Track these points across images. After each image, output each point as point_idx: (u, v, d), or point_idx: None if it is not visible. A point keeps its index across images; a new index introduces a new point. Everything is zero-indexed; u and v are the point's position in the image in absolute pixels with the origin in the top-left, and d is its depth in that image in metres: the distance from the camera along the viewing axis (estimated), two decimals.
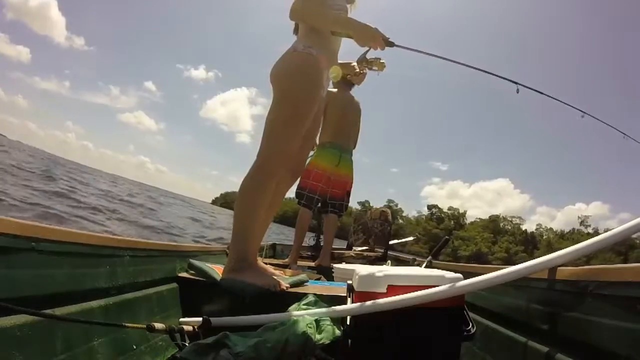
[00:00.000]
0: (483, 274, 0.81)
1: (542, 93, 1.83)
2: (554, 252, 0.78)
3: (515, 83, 1.70)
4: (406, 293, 0.82)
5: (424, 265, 1.76)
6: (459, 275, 0.90)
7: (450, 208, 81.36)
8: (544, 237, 70.43)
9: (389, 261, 2.80)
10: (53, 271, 0.77)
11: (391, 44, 1.49)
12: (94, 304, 0.86)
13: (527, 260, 0.80)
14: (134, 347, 0.95)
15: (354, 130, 2.92)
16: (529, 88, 1.75)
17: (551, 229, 74.46)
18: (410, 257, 2.94)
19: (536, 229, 73.61)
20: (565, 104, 1.91)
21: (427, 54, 1.66)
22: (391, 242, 3.34)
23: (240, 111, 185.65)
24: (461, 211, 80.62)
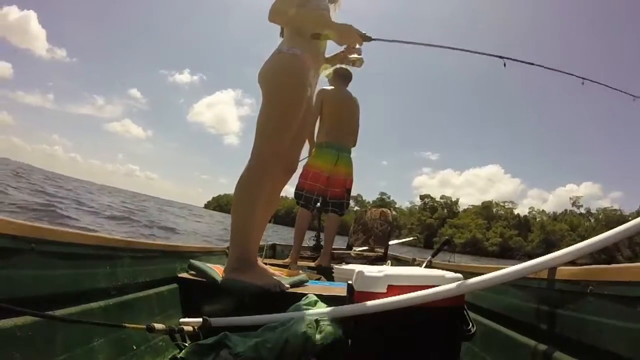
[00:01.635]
0: (483, 274, 0.81)
1: (531, 64, 1.79)
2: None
3: (501, 57, 1.67)
4: (406, 293, 0.83)
5: (424, 265, 1.76)
6: (459, 275, 0.90)
7: (442, 197, 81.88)
8: (537, 219, 70.68)
9: (389, 261, 2.79)
10: (53, 272, 0.77)
11: (368, 39, 1.52)
12: (94, 304, 0.86)
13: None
14: (134, 347, 0.95)
15: (352, 127, 2.90)
16: (517, 60, 1.71)
17: (544, 211, 74.93)
18: (410, 257, 2.94)
19: (529, 213, 73.98)
20: (565, 72, 1.84)
21: (405, 42, 1.67)
22: (391, 243, 3.34)
23: (227, 113, 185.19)
24: (453, 199, 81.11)
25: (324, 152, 2.76)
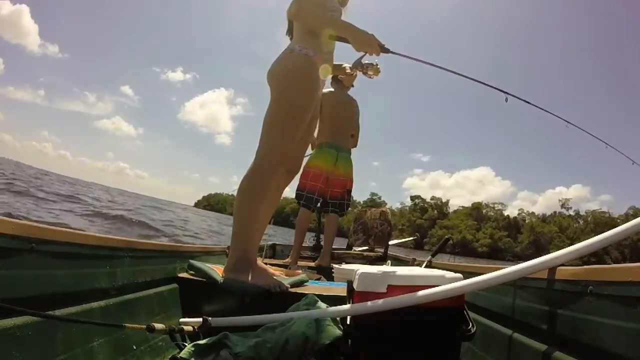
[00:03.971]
0: (483, 274, 0.81)
1: (529, 103, 1.90)
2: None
3: (505, 92, 1.76)
4: (406, 293, 0.82)
5: (424, 265, 1.76)
6: (459, 275, 0.90)
7: (433, 198, 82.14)
8: (527, 221, 71.16)
9: (389, 261, 2.79)
10: (53, 272, 0.77)
11: (386, 51, 1.53)
12: (94, 304, 0.86)
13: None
14: (134, 347, 0.95)
15: (351, 129, 2.92)
16: (517, 97, 1.82)
17: (533, 213, 75.44)
18: (410, 257, 2.94)
19: (518, 214, 74.46)
20: (552, 113, 2.00)
21: (421, 61, 1.71)
22: (391, 243, 3.34)
23: (220, 112, 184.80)
24: (444, 200, 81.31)
25: (324, 152, 2.77)
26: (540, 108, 1.95)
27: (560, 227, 66.08)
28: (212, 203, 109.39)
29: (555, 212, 72.79)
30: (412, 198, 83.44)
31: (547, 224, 68.42)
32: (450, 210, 78.99)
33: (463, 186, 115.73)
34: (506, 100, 1.75)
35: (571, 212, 71.35)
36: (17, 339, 0.64)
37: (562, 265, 0.77)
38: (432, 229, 70.50)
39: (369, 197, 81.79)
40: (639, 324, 0.57)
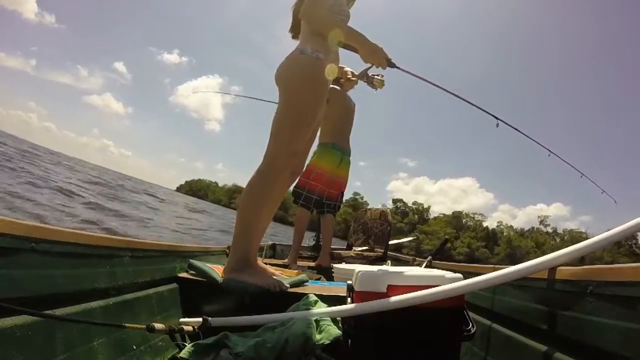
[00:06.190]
0: (483, 274, 0.81)
1: (518, 130, 2.01)
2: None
3: (496, 118, 1.84)
4: (406, 293, 0.82)
5: (424, 265, 1.76)
6: (459, 275, 0.90)
7: (414, 203, 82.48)
8: (504, 234, 71.77)
9: (389, 261, 2.79)
10: (53, 271, 0.77)
11: (392, 65, 1.54)
12: (94, 304, 0.86)
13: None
14: (134, 347, 0.95)
15: (350, 131, 2.92)
16: (508, 124, 1.93)
17: (511, 226, 75.83)
18: (410, 257, 2.94)
19: (497, 226, 74.76)
20: (538, 143, 2.13)
21: (425, 80, 1.73)
22: (391, 242, 3.34)
23: (212, 99, 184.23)
24: (425, 206, 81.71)
25: (330, 153, 2.73)
26: (527, 136, 2.06)
27: (537, 243, 66.36)
28: (194, 189, 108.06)
29: (533, 228, 73.42)
30: (394, 201, 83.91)
31: (524, 238, 68.89)
32: (431, 216, 79.53)
33: (446, 194, 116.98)
34: (497, 125, 1.85)
35: (549, 229, 72.14)
36: (17, 339, 0.64)
37: (562, 265, 0.78)
38: (411, 233, 70.85)
39: (352, 196, 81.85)
40: (639, 324, 0.58)
